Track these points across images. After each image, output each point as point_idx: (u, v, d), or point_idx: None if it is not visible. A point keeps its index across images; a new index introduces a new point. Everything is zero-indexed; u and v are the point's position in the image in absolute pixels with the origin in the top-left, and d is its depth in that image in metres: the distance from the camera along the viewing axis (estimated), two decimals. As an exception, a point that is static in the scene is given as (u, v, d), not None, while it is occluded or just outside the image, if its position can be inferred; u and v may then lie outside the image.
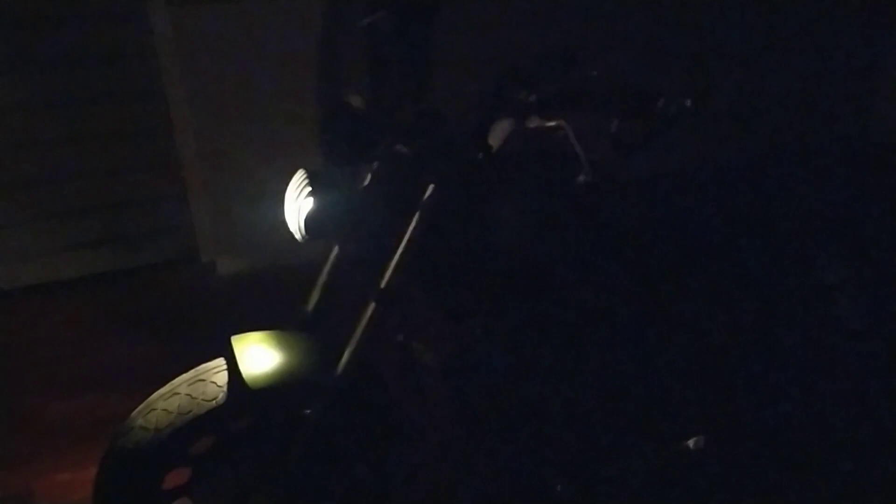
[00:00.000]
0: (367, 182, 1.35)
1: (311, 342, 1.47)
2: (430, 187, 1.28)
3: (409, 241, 1.31)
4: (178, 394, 1.39)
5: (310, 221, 1.29)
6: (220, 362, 1.43)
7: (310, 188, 1.29)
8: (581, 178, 1.04)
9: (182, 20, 2.57)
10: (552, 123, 1.08)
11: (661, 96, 1.00)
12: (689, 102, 1.00)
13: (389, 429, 1.57)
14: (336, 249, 1.52)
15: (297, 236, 1.35)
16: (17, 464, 2.04)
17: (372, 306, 1.35)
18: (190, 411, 1.37)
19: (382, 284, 1.34)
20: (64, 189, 2.77)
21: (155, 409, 1.38)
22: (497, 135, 1.27)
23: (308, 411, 1.40)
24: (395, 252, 1.32)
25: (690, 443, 1.66)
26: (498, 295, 1.45)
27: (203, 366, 1.44)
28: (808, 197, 1.59)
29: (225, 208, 2.90)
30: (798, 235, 1.61)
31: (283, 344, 1.44)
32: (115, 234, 2.89)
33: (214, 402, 1.38)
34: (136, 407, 2.13)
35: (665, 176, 1.54)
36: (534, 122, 1.12)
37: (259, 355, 1.40)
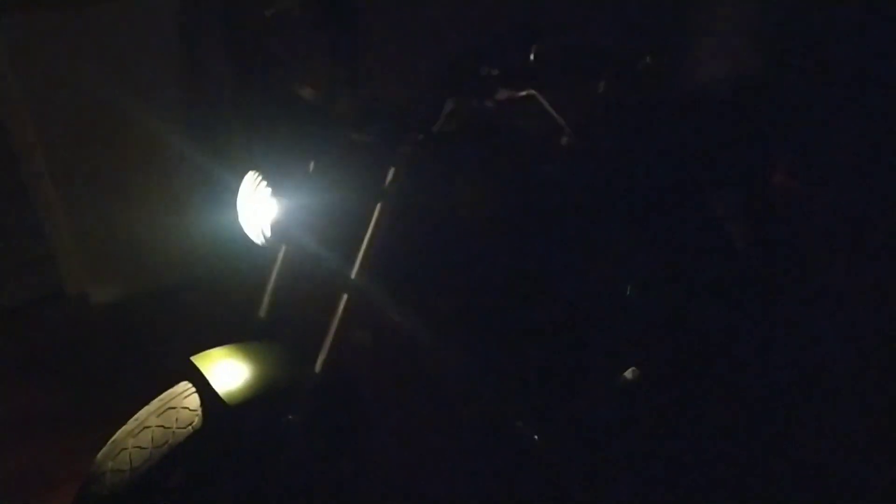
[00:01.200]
0: (323, 177, 1.32)
1: (275, 348, 1.42)
2: (391, 171, 1.29)
3: (374, 229, 1.31)
4: (149, 427, 1.29)
5: (276, 222, 1.24)
6: (186, 386, 1.35)
7: (270, 190, 1.24)
8: (565, 140, 1.10)
9: (16, 36, 2.31)
10: (523, 93, 1.12)
11: (647, 54, 1.07)
12: (667, 59, 1.07)
13: (364, 425, 1.57)
14: (283, 253, 1.48)
15: (259, 241, 1.29)
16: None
17: (344, 297, 1.33)
18: (165, 443, 1.28)
19: (353, 275, 1.32)
20: None
21: (126, 448, 1.28)
22: (451, 114, 1.29)
23: (290, 416, 1.36)
24: (361, 242, 1.32)
25: (628, 373, 1.81)
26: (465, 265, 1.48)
27: (167, 393, 1.35)
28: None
29: (88, 233, 2.67)
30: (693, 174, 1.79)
31: (248, 355, 1.38)
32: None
33: (191, 427, 1.30)
34: (49, 456, 1.97)
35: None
36: (503, 95, 1.15)
37: (228, 370, 1.34)
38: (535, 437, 1.61)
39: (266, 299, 1.49)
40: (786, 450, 2.05)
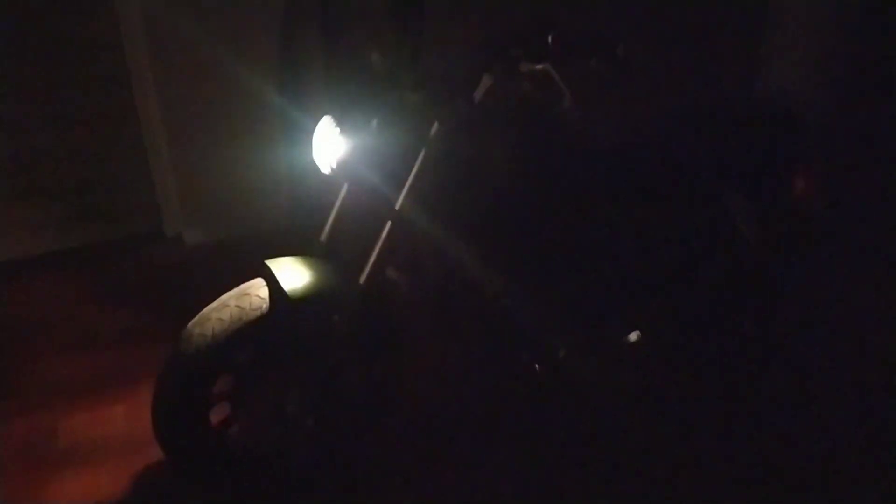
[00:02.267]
0: (382, 126, 1.67)
1: (331, 263, 1.77)
2: (435, 125, 1.63)
3: (418, 171, 1.65)
4: (229, 306, 1.67)
5: (342, 158, 1.60)
6: (259, 281, 1.72)
7: (340, 130, 1.60)
8: (565, 102, 1.42)
9: (150, 10, 2.77)
10: (539, 67, 1.45)
11: (621, 45, 1.40)
12: (639, 51, 1.40)
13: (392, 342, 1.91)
14: (345, 189, 1.83)
15: (326, 171, 1.65)
16: (32, 412, 2.21)
17: (388, 225, 1.68)
18: (240, 319, 1.65)
19: (397, 206, 1.67)
20: (31, 170, 2.89)
21: (210, 320, 1.65)
22: (485, 85, 1.62)
23: (336, 317, 1.71)
24: (406, 181, 1.66)
25: (631, 336, 2.08)
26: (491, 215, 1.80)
27: (246, 284, 1.72)
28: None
29: (188, 184, 3.11)
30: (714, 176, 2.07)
31: (309, 265, 1.73)
32: (83, 213, 3.04)
33: (260, 311, 1.67)
34: (132, 361, 2.38)
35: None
36: (525, 67, 1.49)
37: (292, 273, 1.69)
38: (536, 366, 1.91)
39: (328, 225, 1.85)
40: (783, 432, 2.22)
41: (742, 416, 2.27)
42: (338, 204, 1.84)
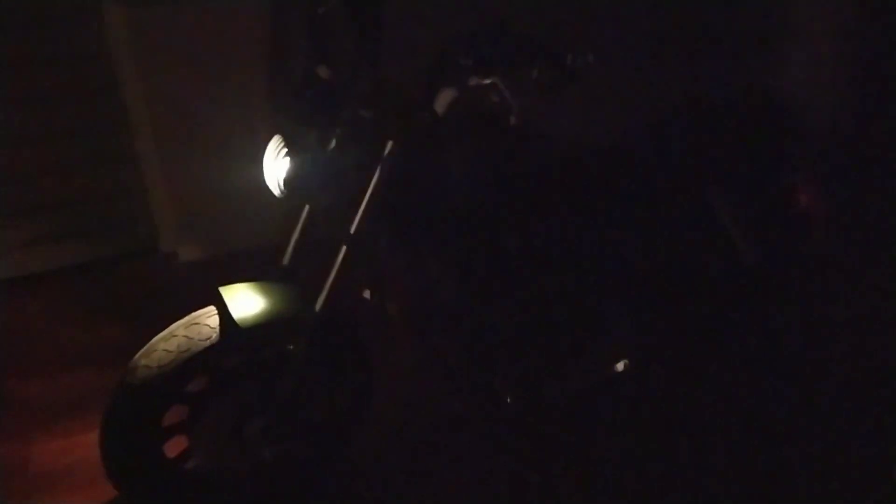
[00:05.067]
0: (333, 144, 1.57)
1: (289, 289, 1.69)
2: (389, 144, 1.53)
3: (373, 191, 1.55)
4: (177, 336, 1.59)
5: (288, 179, 1.51)
6: (211, 309, 1.64)
7: (286, 150, 1.51)
8: (512, 119, 1.31)
9: (137, 23, 2.73)
10: (487, 81, 1.35)
11: (570, 53, 1.29)
12: (591, 58, 1.28)
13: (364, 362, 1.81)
14: (306, 210, 1.75)
15: (277, 193, 1.57)
16: (7, 437, 2.17)
17: (343, 249, 1.58)
18: (188, 349, 1.57)
19: (352, 230, 1.57)
20: (24, 186, 2.88)
21: (156, 350, 1.58)
22: (443, 100, 1.52)
23: (291, 347, 1.62)
24: (361, 202, 1.56)
25: (619, 366, 1.94)
26: (451, 233, 1.70)
27: (195, 313, 1.64)
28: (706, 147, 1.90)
29: (183, 199, 3.06)
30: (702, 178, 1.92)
31: (265, 291, 1.65)
32: (77, 229, 3.01)
33: (209, 341, 1.59)
34: (107, 385, 2.33)
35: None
36: (473, 81, 1.38)
37: (245, 300, 1.61)
38: (508, 399, 1.79)
39: (290, 248, 1.76)
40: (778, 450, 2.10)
41: (737, 418, 2.15)
42: (299, 225, 1.75)
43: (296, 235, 1.76)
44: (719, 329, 2.05)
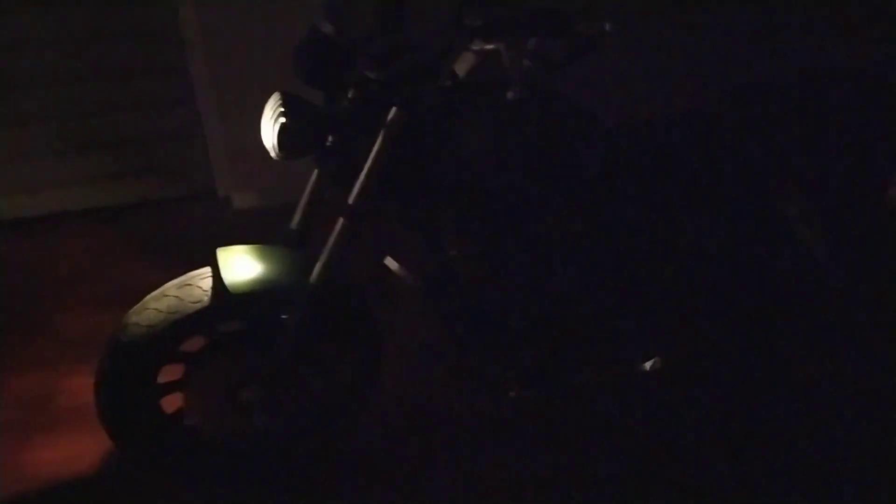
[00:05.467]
0: (337, 106, 1.45)
1: (291, 255, 1.60)
2: (393, 110, 1.39)
3: (374, 160, 1.42)
4: (168, 296, 1.54)
5: (281, 138, 1.41)
6: (207, 271, 1.58)
7: (282, 108, 1.40)
8: (510, 93, 1.14)
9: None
10: (490, 46, 1.18)
11: (582, 20, 1.10)
12: (608, 26, 1.09)
13: (370, 339, 1.72)
14: (316, 171, 1.64)
15: (272, 154, 1.47)
16: (39, 367, 2.24)
17: (340, 222, 1.47)
18: (177, 311, 1.52)
19: (350, 200, 1.46)
20: (86, 122, 2.93)
21: (147, 309, 1.54)
22: (463, 64, 1.36)
23: (284, 317, 1.54)
24: (361, 170, 1.44)
25: (647, 364, 1.76)
26: (471, 209, 1.56)
27: (192, 272, 1.59)
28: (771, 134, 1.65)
29: (241, 146, 3.03)
30: (764, 170, 1.67)
31: (264, 256, 1.57)
32: (135, 169, 3.06)
33: (199, 304, 1.53)
34: None
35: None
36: (477, 45, 1.22)
37: (241, 265, 1.54)
38: (511, 393, 1.66)
39: (299, 210, 1.67)
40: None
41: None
42: (309, 186, 1.65)
43: (305, 197, 1.66)
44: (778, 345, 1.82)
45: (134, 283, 2.58)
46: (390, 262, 1.80)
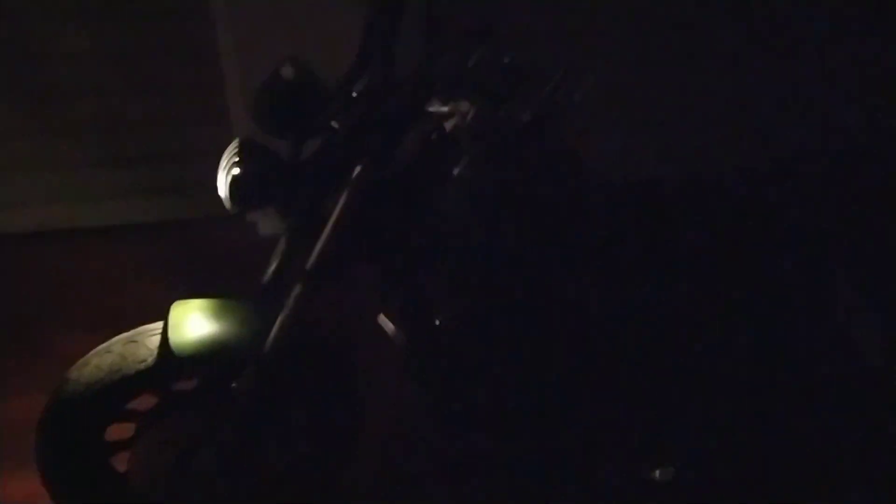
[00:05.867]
0: (303, 157, 1.28)
1: (253, 313, 1.43)
2: (358, 167, 1.20)
3: (335, 220, 1.24)
4: (112, 352, 1.40)
5: (232, 189, 1.25)
6: (159, 325, 1.43)
7: (237, 157, 1.24)
8: (456, 169, 0.94)
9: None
10: (444, 109, 0.98)
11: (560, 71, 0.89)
12: (591, 79, 0.87)
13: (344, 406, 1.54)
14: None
15: (226, 204, 1.31)
16: (36, 389, 2.14)
17: (297, 288, 1.29)
18: (119, 370, 1.38)
19: (308, 265, 1.28)
20: (120, 137, 2.88)
21: (89, 365, 1.40)
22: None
23: (234, 385, 1.38)
24: (322, 231, 1.26)
25: (657, 473, 1.50)
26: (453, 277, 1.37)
27: (143, 327, 1.44)
28: (815, 208, 1.37)
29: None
30: (805, 249, 1.40)
31: (223, 312, 1.41)
32: (166, 186, 2.99)
33: (143, 364, 1.38)
34: None
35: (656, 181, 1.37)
36: (434, 107, 1.02)
37: (193, 323, 1.38)
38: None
39: (272, 262, 1.50)
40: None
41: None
42: (283, 238, 1.48)
43: (279, 247, 1.49)
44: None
45: (149, 304, 2.49)
46: (384, 322, 1.61)
